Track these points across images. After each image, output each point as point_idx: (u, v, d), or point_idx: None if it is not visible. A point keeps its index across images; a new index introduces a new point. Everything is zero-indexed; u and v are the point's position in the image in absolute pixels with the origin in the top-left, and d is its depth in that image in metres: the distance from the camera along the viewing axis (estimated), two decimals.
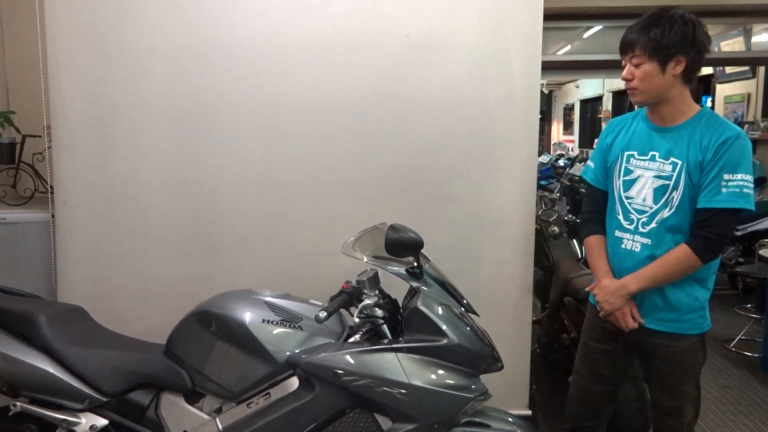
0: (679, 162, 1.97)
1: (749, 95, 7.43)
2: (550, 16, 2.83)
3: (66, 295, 2.76)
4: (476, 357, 2.01)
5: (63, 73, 2.67)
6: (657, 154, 2.03)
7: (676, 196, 1.98)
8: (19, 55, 3.28)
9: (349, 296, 2.05)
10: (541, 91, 3.33)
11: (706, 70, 8.34)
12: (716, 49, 6.96)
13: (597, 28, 5.15)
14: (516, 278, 2.88)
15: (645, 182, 2.04)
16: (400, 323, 2.09)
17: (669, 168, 2.00)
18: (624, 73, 2.03)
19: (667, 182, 2.00)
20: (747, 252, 5.69)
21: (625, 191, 2.10)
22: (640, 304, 2.07)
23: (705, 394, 3.78)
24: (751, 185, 1.91)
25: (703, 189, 1.93)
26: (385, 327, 2.04)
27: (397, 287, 2.18)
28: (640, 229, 2.05)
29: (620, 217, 2.10)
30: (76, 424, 2.06)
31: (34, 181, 3.22)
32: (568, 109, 15.73)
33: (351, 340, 2.07)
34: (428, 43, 2.73)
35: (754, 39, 6.43)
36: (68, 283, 2.78)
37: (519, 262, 2.87)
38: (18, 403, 2.09)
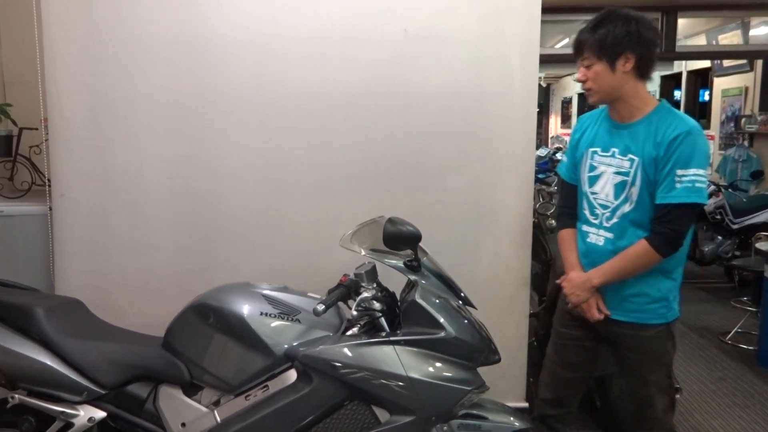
0: (636, 158, 2.02)
1: (747, 88, 7.42)
2: (548, 9, 2.83)
3: (63, 288, 2.76)
4: (474, 350, 2.02)
5: (59, 66, 2.66)
6: (617, 150, 2.08)
7: (635, 191, 2.03)
8: (15, 48, 3.27)
9: (347, 289, 2.06)
10: (539, 85, 3.33)
11: (704, 64, 8.34)
12: (714, 42, 6.95)
13: None
14: (513, 271, 2.89)
15: (607, 178, 2.10)
16: (398, 316, 2.10)
17: (627, 164, 2.05)
18: (578, 75, 2.08)
19: (626, 178, 2.05)
20: (743, 245, 5.71)
21: (590, 187, 2.15)
22: (605, 295, 2.13)
23: (701, 386, 3.81)
24: (704, 180, 1.95)
25: (659, 185, 1.98)
26: (383, 320, 2.05)
27: (395, 280, 2.19)
28: (604, 224, 2.11)
29: (587, 212, 2.17)
30: (75, 416, 2.07)
31: (31, 173, 3.21)
32: (566, 103, 15.70)
33: (349, 333, 2.08)
34: (426, 37, 2.72)
35: (752, 32, 6.42)
36: (66, 275, 2.78)
37: (516, 255, 2.88)
38: (16, 396, 2.09)
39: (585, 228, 2.18)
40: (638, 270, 2.04)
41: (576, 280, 2.13)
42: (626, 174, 2.04)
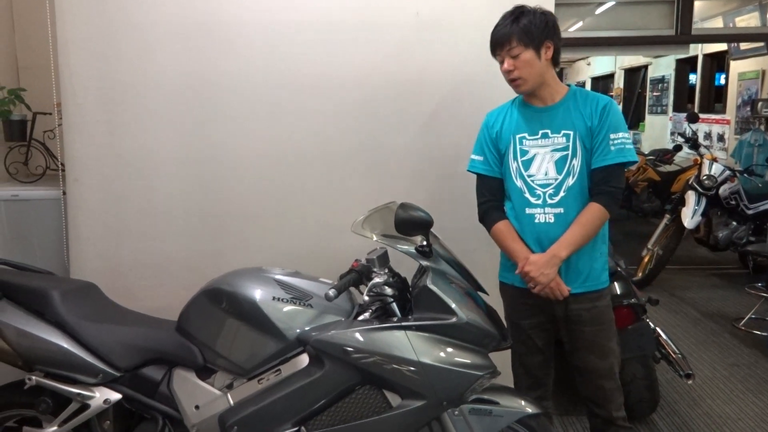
0: (571, 132, 2.18)
1: (764, 72, 7.32)
2: None
3: (78, 272, 2.79)
4: (485, 335, 2.02)
5: (73, 50, 2.67)
6: (549, 131, 2.20)
7: (576, 163, 2.17)
8: (29, 33, 3.27)
9: (359, 274, 2.06)
10: None
11: (720, 47, 8.22)
12: (731, 25, 6.84)
13: (610, 4, 5.08)
14: None
15: (543, 158, 2.20)
16: (409, 301, 2.10)
17: (563, 140, 2.18)
18: (504, 66, 2.17)
19: (565, 152, 2.18)
20: (758, 231, 5.66)
21: (525, 170, 2.22)
22: (579, 276, 2.22)
23: (714, 372, 3.80)
24: (630, 141, 2.18)
25: (595, 152, 2.16)
26: (394, 305, 2.05)
27: (406, 266, 2.19)
28: (549, 201, 2.19)
29: (527, 195, 2.22)
30: (90, 398, 2.10)
31: (46, 158, 3.23)
32: (581, 86, 15.56)
33: (360, 318, 2.08)
34: (438, 20, 2.70)
35: None
36: (80, 259, 2.81)
37: None
38: (33, 377, 2.11)
39: (528, 210, 2.22)
40: (594, 233, 2.17)
41: (540, 261, 2.14)
42: (565, 149, 2.18)
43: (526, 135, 2.23)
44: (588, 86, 14.58)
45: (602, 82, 13.91)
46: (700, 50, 8.82)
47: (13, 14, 3.32)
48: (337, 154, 2.78)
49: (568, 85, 2.29)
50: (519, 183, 2.23)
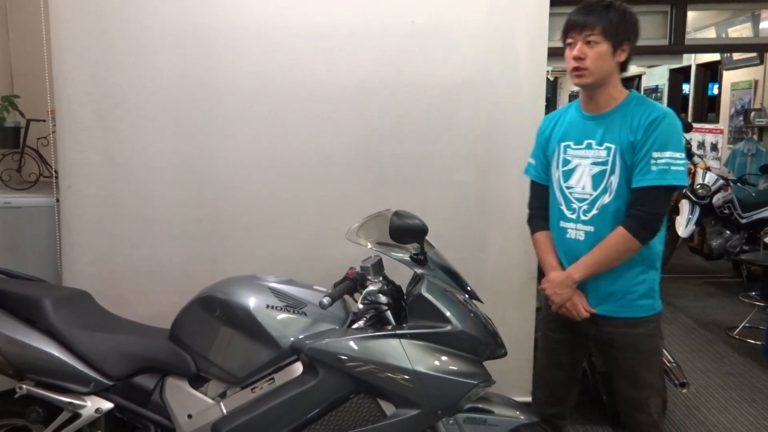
0: (612, 146, 2.00)
1: (756, 82, 7.35)
2: (556, 1, 2.80)
3: (71, 279, 2.77)
4: (480, 343, 2.02)
5: (67, 57, 2.66)
6: (593, 141, 2.06)
7: (614, 180, 2.00)
8: (23, 39, 3.27)
9: (353, 282, 2.05)
10: (547, 78, 3.31)
11: (713, 57, 8.27)
12: (724, 35, 6.88)
13: None
14: (520, 265, 2.88)
15: (583, 170, 2.07)
16: (404, 310, 2.09)
17: (604, 153, 2.02)
18: (574, 51, 1.99)
19: (604, 167, 2.02)
20: (752, 240, 5.68)
21: (565, 181, 2.11)
22: (589, 292, 2.08)
23: (708, 381, 3.80)
24: (681, 162, 1.93)
25: (635, 170, 1.96)
26: (389, 313, 2.05)
27: (401, 274, 2.18)
28: (582, 217, 2.06)
29: (563, 207, 2.12)
30: (82, 407, 2.08)
31: (39, 165, 3.22)
32: (574, 96, 15.62)
33: (355, 326, 2.07)
34: (434, 28, 2.71)
35: (762, 25, 6.35)
36: (73, 267, 2.79)
37: (523, 249, 2.86)
38: (24, 386, 2.09)
39: (562, 224, 2.13)
40: (619, 260, 2.00)
41: (556, 279, 2.09)
42: (604, 163, 2.02)
43: (571, 144, 2.11)
44: None
45: None
46: (693, 60, 8.87)
47: (7, 21, 3.31)
48: (332, 161, 2.78)
49: (629, 90, 2.09)
50: (558, 193, 2.14)
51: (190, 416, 2.08)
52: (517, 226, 2.84)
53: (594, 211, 2.04)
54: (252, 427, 2.00)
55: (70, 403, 2.08)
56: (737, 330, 4.58)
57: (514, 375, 2.88)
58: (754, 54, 7.09)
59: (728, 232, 5.81)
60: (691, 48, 5.54)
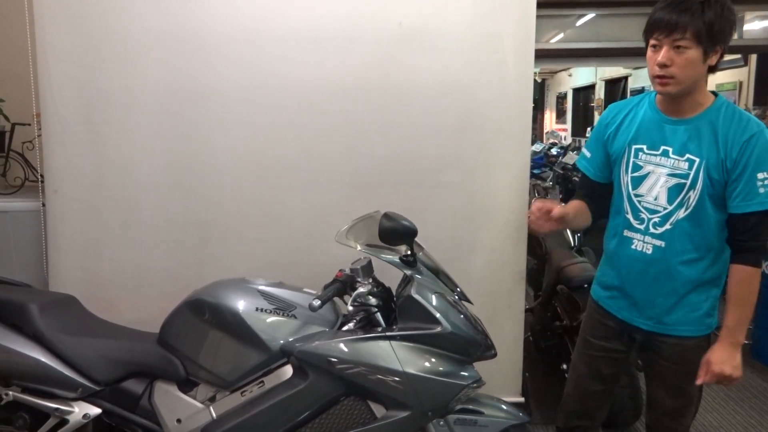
0: (697, 159, 1.80)
1: (741, 83, 7.43)
2: (543, 3, 2.82)
3: (57, 284, 2.75)
4: (469, 345, 2.02)
5: (52, 61, 2.64)
6: (671, 149, 1.84)
7: (693, 195, 1.82)
8: (7, 42, 3.24)
9: (343, 284, 2.05)
10: (534, 80, 3.33)
11: None
12: None
13: (590, 16, 5.15)
14: (509, 266, 2.89)
15: (657, 180, 1.87)
16: (393, 311, 2.09)
17: (685, 166, 1.82)
18: (660, 58, 1.74)
19: (684, 181, 1.82)
20: None
21: (634, 188, 1.92)
22: (669, 318, 1.93)
23: None
24: None
25: (736, 192, 1.76)
26: (378, 315, 2.05)
27: (390, 275, 2.18)
28: (651, 230, 1.89)
29: (629, 216, 1.94)
30: (69, 412, 2.06)
31: (24, 169, 3.20)
32: (561, 98, 15.73)
33: (345, 328, 2.07)
34: (421, 30, 2.71)
35: (746, 27, 6.42)
36: (59, 272, 2.77)
37: (512, 251, 2.87)
38: (10, 392, 2.08)
39: (627, 233, 1.95)
40: (754, 297, 1.84)
41: (730, 360, 1.88)
42: (684, 177, 1.82)
43: (644, 147, 1.89)
44: (570, 97, 14.74)
45: (583, 93, 14.06)
46: None
47: None
48: (321, 164, 2.77)
49: (715, 94, 1.85)
50: (625, 200, 1.95)
51: (179, 421, 2.07)
52: (505, 228, 2.86)
53: (667, 226, 1.86)
54: (242, 430, 1.99)
55: (57, 409, 2.06)
56: None
57: (503, 376, 2.89)
58: (738, 56, 7.17)
59: None
60: None
